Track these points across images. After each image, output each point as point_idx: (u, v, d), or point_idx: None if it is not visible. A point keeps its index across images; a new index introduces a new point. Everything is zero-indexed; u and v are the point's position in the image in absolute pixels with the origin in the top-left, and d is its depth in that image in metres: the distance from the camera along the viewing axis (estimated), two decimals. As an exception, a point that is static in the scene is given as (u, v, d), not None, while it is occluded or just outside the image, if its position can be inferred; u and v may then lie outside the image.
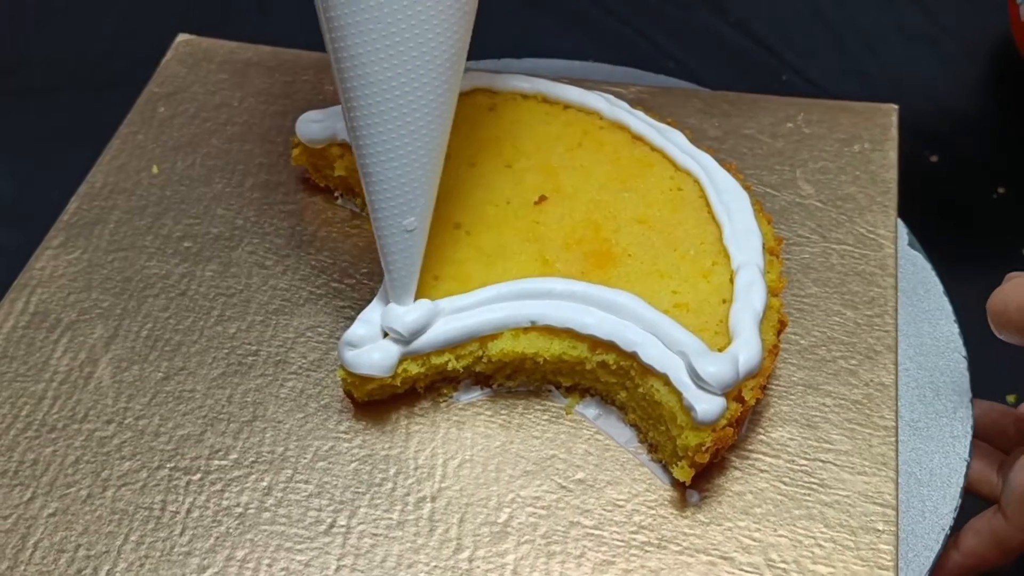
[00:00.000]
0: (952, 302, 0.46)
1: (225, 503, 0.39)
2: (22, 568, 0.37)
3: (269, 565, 0.37)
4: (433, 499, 0.39)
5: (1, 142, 0.63)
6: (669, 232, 0.43)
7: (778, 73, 0.66)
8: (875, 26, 0.69)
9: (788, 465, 0.40)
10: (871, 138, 0.51)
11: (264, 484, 0.39)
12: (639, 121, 0.47)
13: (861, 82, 0.65)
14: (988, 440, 0.44)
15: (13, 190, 0.60)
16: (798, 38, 0.68)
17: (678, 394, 0.38)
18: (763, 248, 0.42)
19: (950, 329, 0.45)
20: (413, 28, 0.36)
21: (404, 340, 0.40)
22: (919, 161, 0.61)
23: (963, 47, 0.67)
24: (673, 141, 0.47)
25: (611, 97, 0.49)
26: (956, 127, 0.63)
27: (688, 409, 0.37)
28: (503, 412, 0.41)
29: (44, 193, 0.52)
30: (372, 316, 0.40)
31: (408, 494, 0.39)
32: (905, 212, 0.49)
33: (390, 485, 0.39)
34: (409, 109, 0.37)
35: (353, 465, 0.40)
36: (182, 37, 0.56)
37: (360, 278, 0.46)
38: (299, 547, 0.38)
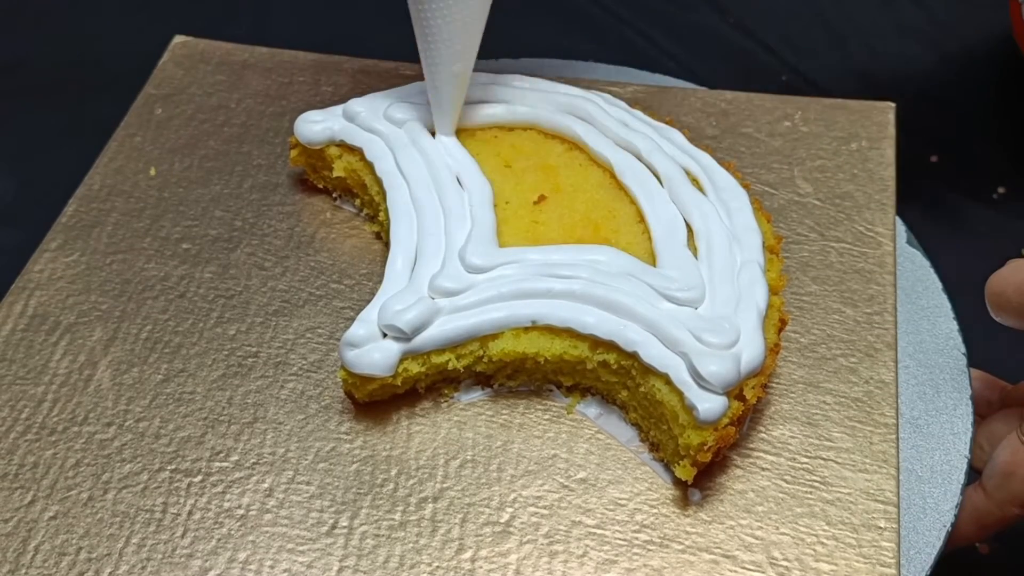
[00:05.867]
0: (951, 300, 0.46)
1: (227, 505, 0.39)
2: (23, 571, 0.37)
3: (271, 567, 0.37)
4: (435, 499, 0.39)
5: (1, 142, 0.62)
6: (669, 231, 0.43)
7: (778, 73, 0.66)
8: (875, 26, 0.69)
9: (789, 463, 0.40)
10: (868, 136, 0.51)
11: (265, 486, 0.39)
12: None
13: (861, 82, 0.65)
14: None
15: (13, 190, 0.60)
16: (798, 38, 0.68)
17: (679, 393, 0.38)
18: (763, 246, 0.42)
19: (949, 326, 0.45)
20: None
21: (404, 338, 0.40)
22: (919, 161, 0.61)
23: (963, 47, 0.67)
24: (672, 140, 0.47)
25: (608, 96, 0.49)
26: (956, 127, 0.63)
27: (690, 408, 0.37)
28: (504, 412, 0.41)
29: (44, 193, 0.51)
30: (372, 316, 0.40)
31: (410, 495, 0.39)
32: (905, 212, 0.49)
33: (392, 486, 0.39)
34: None
35: (355, 466, 0.40)
36: (179, 39, 0.56)
37: (359, 279, 0.46)
38: (301, 548, 0.38)
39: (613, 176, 0.45)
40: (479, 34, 0.45)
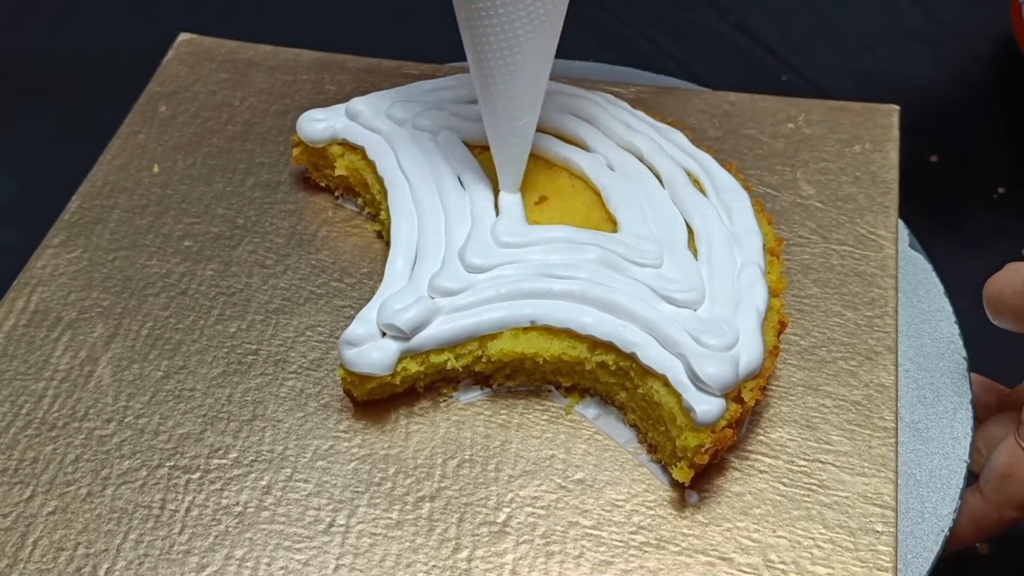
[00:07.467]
0: (952, 303, 0.46)
1: (224, 502, 0.39)
2: (21, 566, 0.37)
3: (268, 564, 0.37)
4: (432, 499, 0.39)
5: (1, 142, 0.63)
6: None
7: (778, 73, 0.66)
8: (875, 26, 0.69)
9: (787, 466, 0.40)
10: (872, 139, 0.51)
11: (263, 483, 0.39)
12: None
13: (861, 82, 0.65)
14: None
15: (13, 190, 0.60)
16: (798, 38, 0.68)
17: (677, 395, 0.38)
18: (764, 248, 0.42)
19: (950, 330, 0.45)
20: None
21: (403, 337, 0.40)
22: (919, 161, 0.61)
23: (963, 47, 0.67)
24: (673, 141, 0.47)
25: (610, 96, 0.49)
26: (956, 127, 0.63)
27: (688, 410, 0.37)
28: (503, 412, 0.41)
29: (44, 193, 0.52)
30: (371, 315, 0.40)
31: (407, 493, 0.39)
32: (905, 212, 0.49)
33: (389, 484, 0.39)
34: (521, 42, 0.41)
35: (352, 464, 0.40)
36: (184, 36, 0.56)
37: (360, 277, 0.46)
38: (298, 546, 0.38)
39: (614, 177, 0.45)
40: (543, 86, 0.43)
